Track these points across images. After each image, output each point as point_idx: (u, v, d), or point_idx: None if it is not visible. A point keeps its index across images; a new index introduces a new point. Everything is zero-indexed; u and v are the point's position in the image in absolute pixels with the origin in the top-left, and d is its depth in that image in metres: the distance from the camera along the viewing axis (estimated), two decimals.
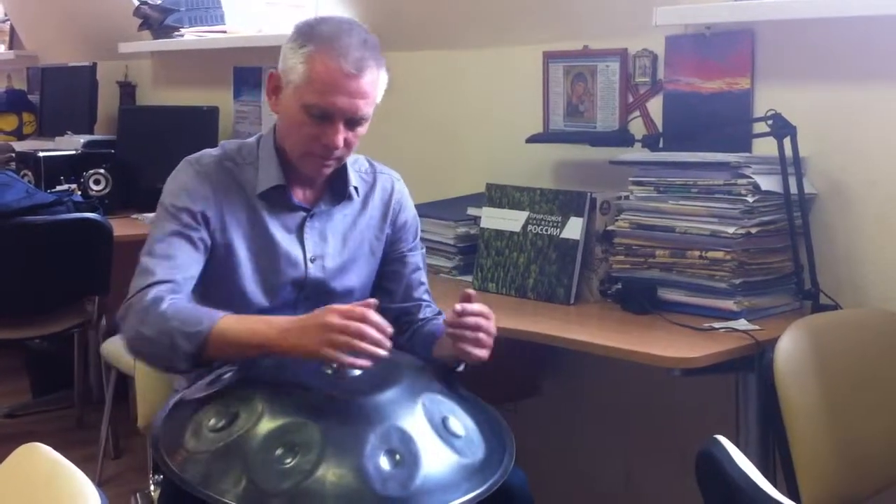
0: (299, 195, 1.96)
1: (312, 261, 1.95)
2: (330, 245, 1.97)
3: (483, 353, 1.79)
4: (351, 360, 1.63)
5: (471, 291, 1.81)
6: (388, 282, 2.07)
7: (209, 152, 1.96)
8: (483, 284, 2.66)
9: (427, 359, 1.91)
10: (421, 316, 2.06)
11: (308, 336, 1.64)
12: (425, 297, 2.09)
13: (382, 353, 1.64)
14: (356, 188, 1.99)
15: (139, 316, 1.75)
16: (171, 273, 1.81)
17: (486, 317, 1.80)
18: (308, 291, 1.95)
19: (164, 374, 2.00)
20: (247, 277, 1.91)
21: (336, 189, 1.97)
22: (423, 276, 2.11)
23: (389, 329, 1.66)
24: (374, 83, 1.85)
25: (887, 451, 2.02)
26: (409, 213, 2.09)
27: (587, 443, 2.93)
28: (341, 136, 1.84)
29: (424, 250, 2.14)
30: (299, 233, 1.94)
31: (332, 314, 1.64)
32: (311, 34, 1.84)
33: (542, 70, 2.92)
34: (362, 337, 1.63)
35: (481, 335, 1.78)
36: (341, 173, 1.96)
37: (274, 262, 1.92)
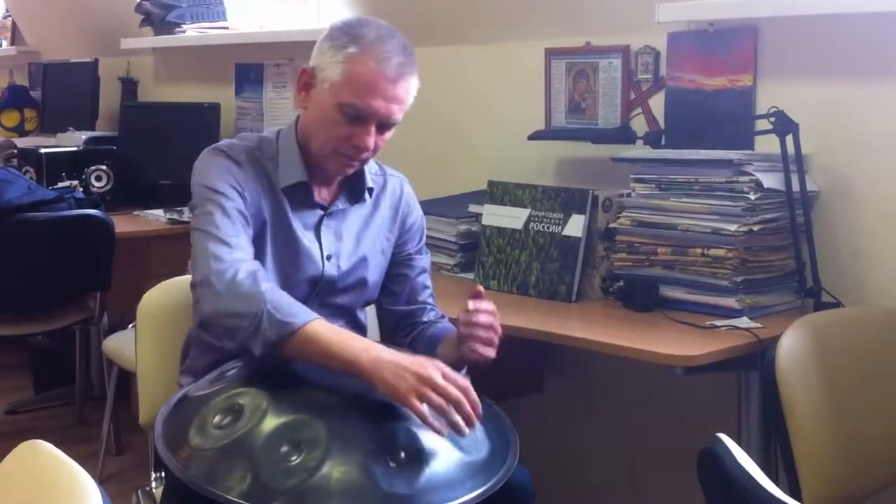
0: (318, 193, 1.96)
1: (328, 259, 1.95)
2: (345, 244, 1.97)
3: (492, 353, 1.80)
4: (433, 421, 1.58)
5: (480, 288, 1.82)
6: (393, 284, 2.07)
7: (233, 142, 1.95)
8: (484, 282, 2.66)
9: None
10: (424, 319, 2.06)
11: (403, 379, 1.59)
12: (430, 300, 2.09)
13: (466, 430, 1.60)
14: (371, 189, 2.00)
15: (231, 289, 1.72)
16: (247, 252, 1.81)
17: (496, 315, 1.81)
18: (321, 288, 1.96)
19: (173, 369, 2.01)
20: (269, 264, 1.91)
21: (353, 189, 1.98)
22: (427, 279, 2.11)
23: (480, 412, 1.63)
24: (410, 90, 1.87)
25: (889, 449, 2.02)
26: (417, 216, 2.10)
27: (590, 440, 2.93)
28: (372, 139, 1.85)
29: (430, 255, 2.14)
30: (316, 231, 1.95)
31: (437, 372, 1.61)
32: (354, 35, 1.84)
33: (544, 67, 2.91)
34: (456, 407, 1.60)
35: (492, 334, 1.79)
36: (359, 174, 1.97)
37: (294, 256, 1.93)
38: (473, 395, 1.62)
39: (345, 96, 1.82)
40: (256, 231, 1.89)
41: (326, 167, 1.92)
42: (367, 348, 1.66)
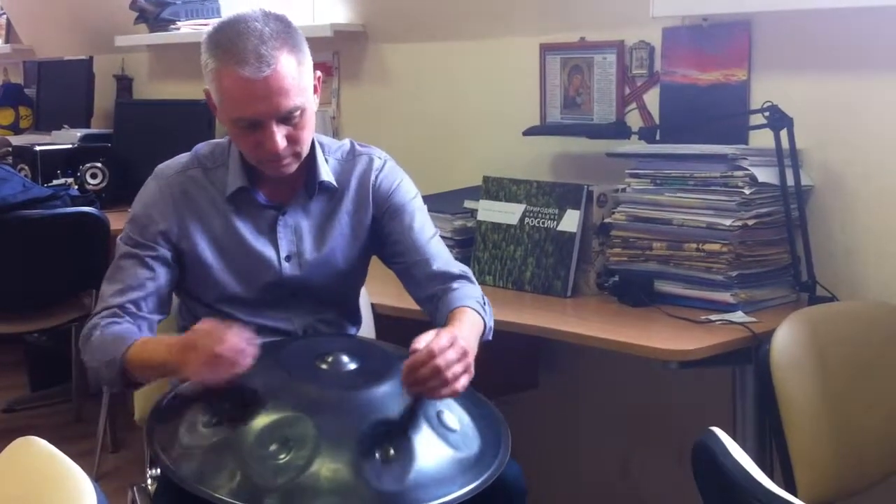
0: (271, 193, 1.92)
1: (288, 259, 1.92)
2: (306, 240, 1.93)
3: (458, 388, 1.61)
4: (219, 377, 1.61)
5: (414, 345, 1.62)
6: (394, 252, 1.98)
7: (178, 160, 1.95)
8: (480, 277, 2.66)
9: None
10: (438, 275, 1.93)
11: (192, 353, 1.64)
12: (449, 268, 1.94)
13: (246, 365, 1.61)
14: (329, 179, 1.93)
15: (80, 343, 1.85)
16: (117, 297, 1.86)
17: (437, 353, 1.58)
18: (292, 289, 1.93)
19: None
20: (225, 280, 1.90)
21: (309, 182, 1.93)
22: (434, 243, 1.97)
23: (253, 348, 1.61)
24: (291, 73, 1.75)
25: (883, 443, 2.02)
26: (392, 182, 1.98)
27: (584, 435, 2.93)
28: (279, 137, 1.77)
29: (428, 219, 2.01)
30: (272, 233, 1.92)
31: (209, 338, 1.62)
32: (211, 47, 1.80)
33: (538, 62, 2.91)
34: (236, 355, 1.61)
35: (447, 375, 1.58)
36: (310, 168, 1.92)
37: (246, 264, 1.91)
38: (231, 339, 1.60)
39: (230, 112, 1.79)
40: (194, 255, 1.89)
41: (266, 173, 1.88)
42: (169, 344, 1.70)
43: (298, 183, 1.93)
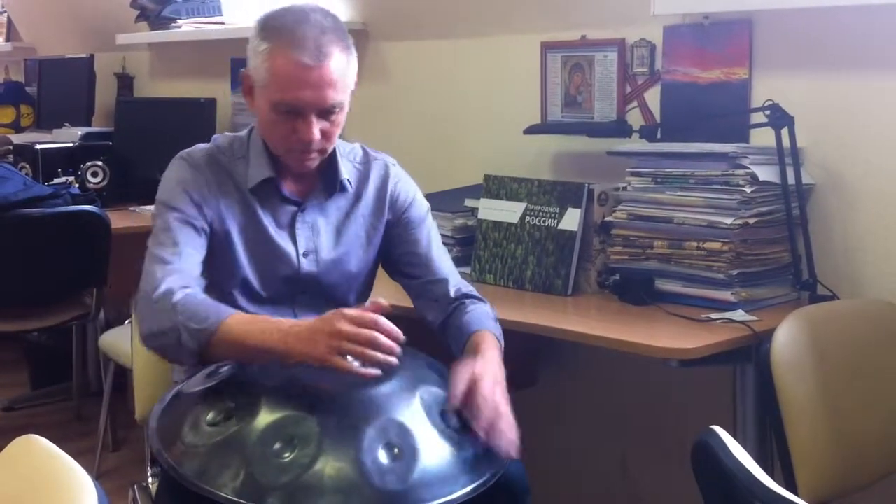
0: (291, 188, 1.94)
1: (305, 255, 1.93)
2: (323, 238, 1.95)
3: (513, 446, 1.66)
4: (361, 370, 1.58)
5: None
6: (407, 266, 2.01)
7: (200, 147, 1.95)
8: (481, 276, 2.66)
9: (450, 356, 1.85)
10: (454, 295, 1.97)
11: (316, 344, 1.59)
12: (462, 288, 2.00)
13: (393, 361, 1.60)
14: (349, 180, 1.96)
15: (151, 309, 1.73)
16: (180, 263, 1.79)
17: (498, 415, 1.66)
18: (304, 286, 1.94)
19: (168, 364, 2.00)
20: (245, 267, 1.90)
21: (328, 181, 1.95)
22: (447, 261, 2.02)
23: (401, 336, 1.62)
24: (340, 68, 1.79)
25: (884, 442, 2.02)
26: (409, 193, 2.03)
27: (584, 434, 2.93)
28: (316, 129, 1.80)
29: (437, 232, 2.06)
30: (291, 228, 1.93)
31: (342, 321, 1.59)
32: (268, 29, 1.81)
33: (539, 61, 2.91)
34: (373, 345, 1.59)
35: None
36: (332, 165, 1.94)
37: (267, 255, 1.92)
38: (385, 324, 1.60)
39: (274, 95, 1.80)
40: (222, 236, 1.88)
41: (288, 165, 1.89)
42: (275, 328, 1.65)
43: (316, 181, 1.95)
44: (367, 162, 2.01)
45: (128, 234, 3.45)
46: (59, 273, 3.33)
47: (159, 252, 1.80)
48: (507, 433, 1.64)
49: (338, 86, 1.79)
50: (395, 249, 2.02)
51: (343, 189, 1.96)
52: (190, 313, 1.69)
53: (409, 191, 2.03)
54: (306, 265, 1.93)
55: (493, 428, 1.63)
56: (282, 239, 1.92)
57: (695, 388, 2.53)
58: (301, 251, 1.93)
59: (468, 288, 2.01)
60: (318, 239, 1.94)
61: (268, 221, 1.91)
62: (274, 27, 1.81)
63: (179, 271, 1.78)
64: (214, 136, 1.99)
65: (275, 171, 1.91)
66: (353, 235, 1.98)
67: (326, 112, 1.81)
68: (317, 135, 1.81)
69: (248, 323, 1.69)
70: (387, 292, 2.31)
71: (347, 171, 1.97)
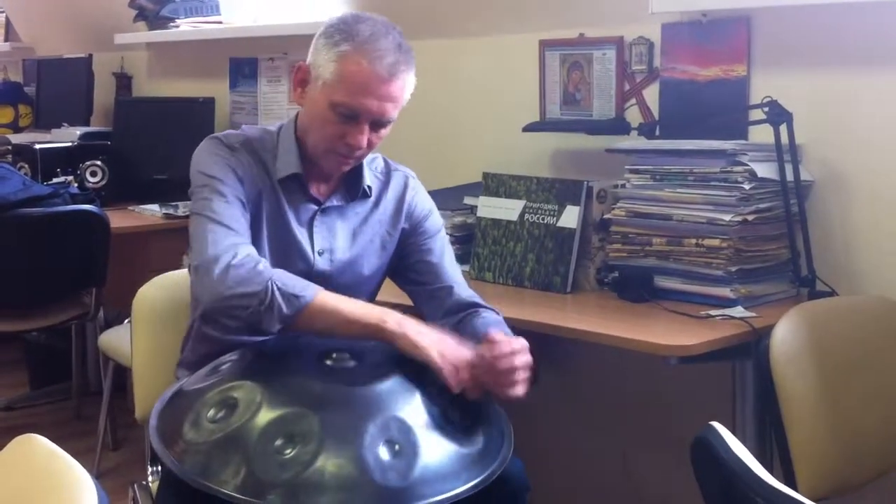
0: (315, 188, 1.96)
1: (320, 254, 1.95)
2: (339, 239, 1.97)
3: (520, 391, 1.73)
4: (450, 378, 1.67)
5: (495, 336, 1.74)
6: (418, 274, 2.04)
7: (234, 132, 1.97)
8: (480, 273, 2.66)
9: None
10: (466, 302, 2.00)
11: (425, 335, 1.70)
12: (474, 298, 2.03)
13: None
14: (370, 187, 1.99)
15: (233, 272, 1.74)
16: (245, 236, 1.83)
17: (517, 353, 1.72)
18: (316, 283, 1.95)
19: (168, 363, 2.01)
20: (266, 253, 1.91)
21: (350, 186, 1.98)
22: (459, 273, 2.07)
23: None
24: (404, 88, 1.87)
25: (884, 438, 2.02)
26: (426, 206, 2.07)
27: (584, 431, 2.93)
28: (366, 137, 1.85)
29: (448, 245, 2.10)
30: (309, 226, 1.95)
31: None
32: (348, 32, 1.84)
33: (538, 58, 2.91)
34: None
35: (517, 376, 1.71)
36: (356, 171, 1.97)
37: (286, 249, 1.93)
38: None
39: (337, 95, 1.82)
40: (252, 219, 1.89)
41: (322, 164, 1.92)
42: (385, 310, 1.74)
43: (339, 185, 1.98)
44: (387, 172, 2.05)
45: (127, 234, 3.46)
46: (58, 273, 3.33)
47: (217, 217, 1.82)
48: (505, 374, 1.70)
49: (398, 103, 1.86)
50: (408, 258, 2.05)
51: (364, 195, 1.99)
52: (284, 280, 1.75)
53: (427, 204, 2.08)
54: (320, 263, 1.95)
55: (490, 361, 1.70)
56: (301, 234, 1.94)
57: (694, 385, 2.53)
58: (317, 249, 1.95)
59: (479, 299, 2.03)
60: (334, 239, 1.97)
61: (291, 215, 1.94)
62: (357, 32, 1.83)
63: (247, 242, 1.82)
64: (244, 126, 2.01)
65: (302, 169, 1.92)
66: (369, 240, 2.00)
67: (379, 124, 1.86)
68: (365, 143, 1.86)
69: (344, 299, 1.77)
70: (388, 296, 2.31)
71: (370, 179, 2.00)
